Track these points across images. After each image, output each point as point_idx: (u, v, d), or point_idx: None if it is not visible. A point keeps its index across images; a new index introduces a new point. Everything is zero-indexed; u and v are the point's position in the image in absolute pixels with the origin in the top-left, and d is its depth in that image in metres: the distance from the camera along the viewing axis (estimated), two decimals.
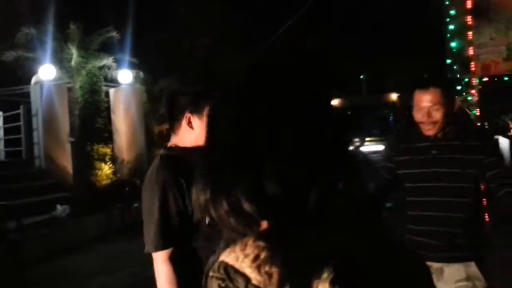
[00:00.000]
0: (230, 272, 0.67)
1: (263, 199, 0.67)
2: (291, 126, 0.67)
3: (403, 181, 2.37)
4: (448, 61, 9.24)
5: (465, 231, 2.19)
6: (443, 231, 2.19)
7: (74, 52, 10.03)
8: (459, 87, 9.48)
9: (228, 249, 0.69)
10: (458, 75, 9.15)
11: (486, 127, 11.50)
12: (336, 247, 0.64)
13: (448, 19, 9.06)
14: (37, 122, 9.37)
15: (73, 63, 10.07)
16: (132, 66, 11.48)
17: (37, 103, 9.36)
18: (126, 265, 6.14)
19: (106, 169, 10.52)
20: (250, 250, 0.67)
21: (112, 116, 11.19)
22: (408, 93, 2.43)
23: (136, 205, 9.13)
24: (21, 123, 10.34)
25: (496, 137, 10.71)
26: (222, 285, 0.67)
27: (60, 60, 9.97)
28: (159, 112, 12.97)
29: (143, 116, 11.76)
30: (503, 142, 9.96)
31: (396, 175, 2.41)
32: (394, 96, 19.97)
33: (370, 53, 23.02)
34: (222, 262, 0.69)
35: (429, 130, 2.27)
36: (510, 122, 12.31)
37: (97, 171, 10.31)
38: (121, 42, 11.30)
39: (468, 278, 2.15)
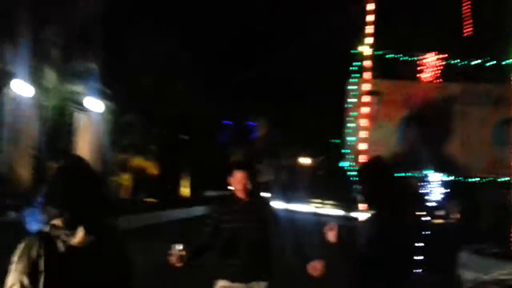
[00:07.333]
0: None
1: None
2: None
3: None
4: (347, 151, 10.70)
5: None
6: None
7: (52, 74, 10.54)
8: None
9: None
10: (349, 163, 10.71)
11: None
12: None
13: (348, 119, 10.69)
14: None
15: (49, 84, 10.56)
16: (103, 95, 12.04)
17: (8, 115, 9.67)
18: None
19: None
20: None
21: (76, 139, 11.59)
22: None
23: None
24: None
25: None
26: None
27: (36, 78, 10.40)
28: (123, 143, 13.52)
29: (108, 143, 12.23)
30: None
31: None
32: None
33: None
34: None
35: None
36: None
37: None
38: (94, 70, 11.72)
39: None
